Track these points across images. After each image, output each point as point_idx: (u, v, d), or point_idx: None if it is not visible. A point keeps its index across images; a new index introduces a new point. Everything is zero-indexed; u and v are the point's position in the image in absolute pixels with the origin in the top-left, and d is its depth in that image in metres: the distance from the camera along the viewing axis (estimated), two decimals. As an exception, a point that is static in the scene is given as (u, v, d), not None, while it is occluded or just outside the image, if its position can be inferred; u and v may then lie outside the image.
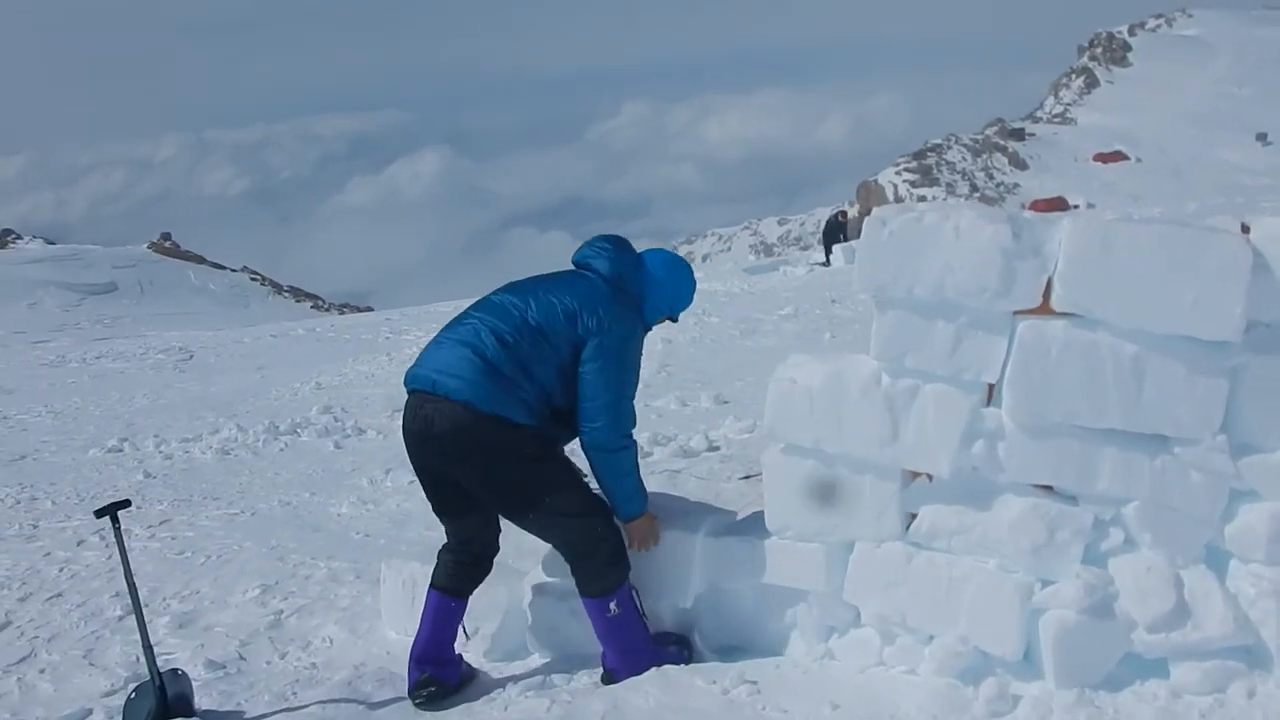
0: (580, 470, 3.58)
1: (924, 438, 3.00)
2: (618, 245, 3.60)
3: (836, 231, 25.13)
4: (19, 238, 61.33)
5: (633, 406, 3.47)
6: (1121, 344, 2.80)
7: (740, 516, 3.64)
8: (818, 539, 3.21)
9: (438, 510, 3.58)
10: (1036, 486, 2.98)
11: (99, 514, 3.49)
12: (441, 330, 3.50)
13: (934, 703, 2.91)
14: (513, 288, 3.55)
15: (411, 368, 3.45)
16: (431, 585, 3.56)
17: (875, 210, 3.04)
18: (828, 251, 24.38)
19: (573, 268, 3.61)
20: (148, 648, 3.44)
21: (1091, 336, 2.81)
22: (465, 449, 3.29)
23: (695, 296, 3.70)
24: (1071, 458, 2.90)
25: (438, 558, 3.62)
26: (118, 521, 3.51)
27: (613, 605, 3.36)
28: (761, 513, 3.41)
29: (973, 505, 3.01)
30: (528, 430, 3.31)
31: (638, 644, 3.39)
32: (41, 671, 4.13)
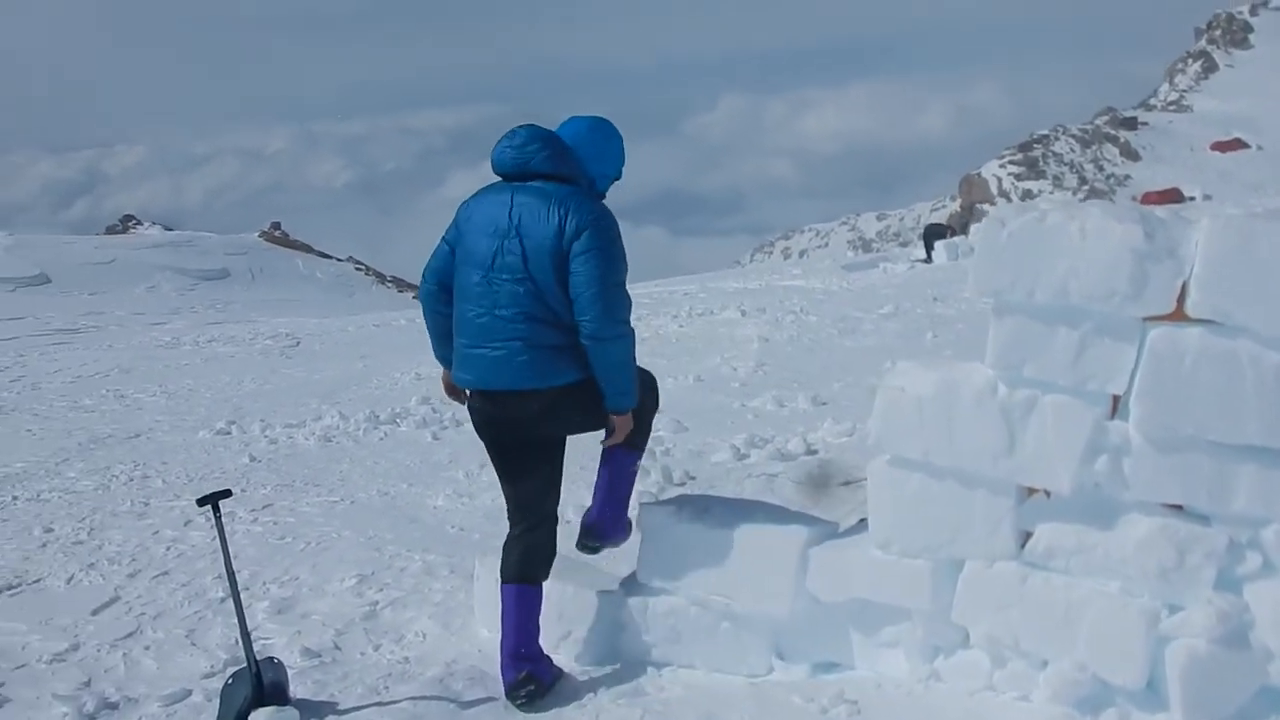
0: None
1: (1042, 452, 2.83)
2: (545, 139, 3.48)
3: (939, 232, 24.59)
4: (139, 223, 64.15)
5: (625, 293, 3.44)
6: (1264, 353, 2.60)
7: (842, 527, 3.51)
8: (924, 555, 3.06)
9: (505, 475, 3.66)
10: (1165, 505, 2.79)
11: (201, 503, 3.54)
12: (468, 338, 3.50)
13: (1048, 733, 2.74)
14: (487, 257, 3.43)
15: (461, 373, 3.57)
16: (503, 581, 3.54)
17: (993, 210, 2.87)
18: (928, 249, 23.81)
19: (501, 179, 3.52)
20: (245, 635, 3.48)
21: (1230, 345, 2.61)
22: (543, 424, 3.48)
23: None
24: (1205, 475, 2.70)
25: (503, 551, 3.62)
26: (219, 510, 3.55)
27: (637, 464, 3.69)
28: (864, 522, 3.27)
29: (1094, 524, 2.82)
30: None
31: (624, 505, 3.73)
32: (146, 648, 4.24)
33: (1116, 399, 2.82)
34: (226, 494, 3.62)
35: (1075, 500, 2.84)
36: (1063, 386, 2.80)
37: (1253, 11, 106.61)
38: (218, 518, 3.55)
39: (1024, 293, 2.77)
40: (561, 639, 3.71)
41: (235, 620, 3.54)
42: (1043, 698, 2.86)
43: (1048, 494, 2.93)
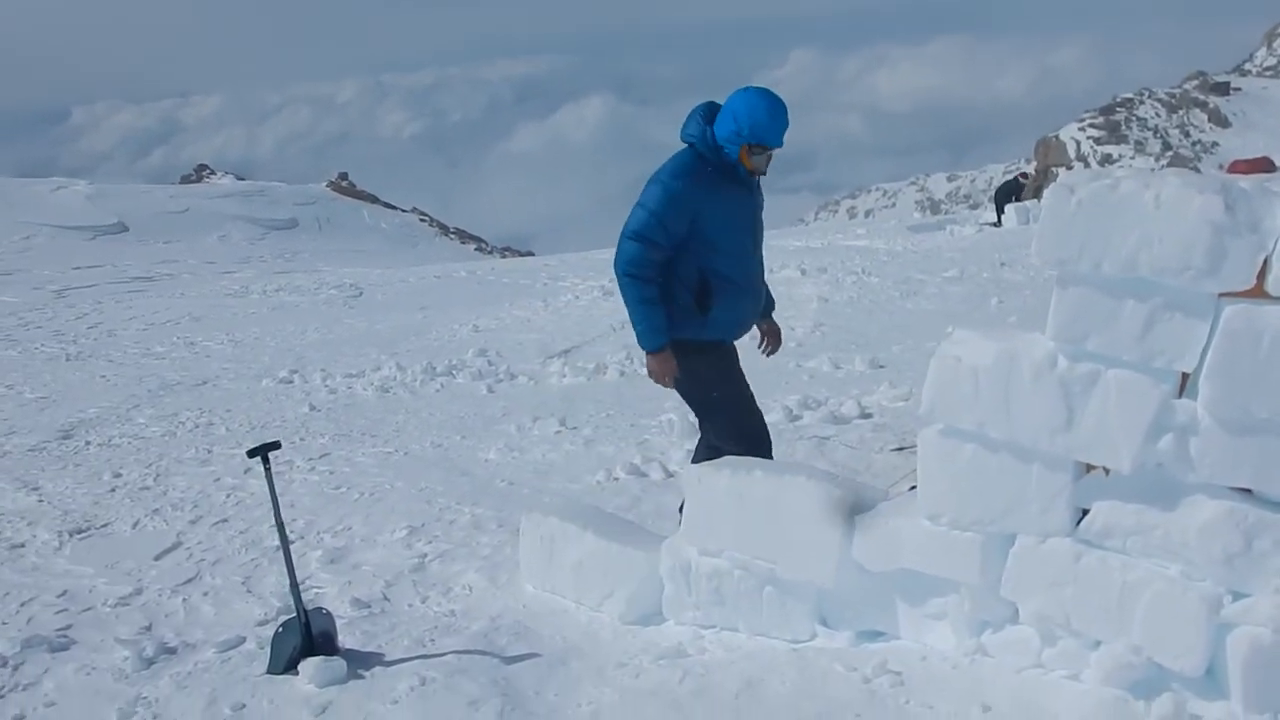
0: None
1: (1103, 428, 2.72)
2: (695, 109, 3.98)
3: (1012, 191, 23.89)
4: (213, 173, 65.30)
5: (631, 244, 3.88)
6: (1349, 335, 2.46)
7: (892, 494, 3.44)
8: (975, 528, 2.98)
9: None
10: (1232, 489, 2.67)
11: (251, 454, 3.59)
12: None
13: (1099, 714, 2.66)
14: None
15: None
16: None
17: (1063, 175, 2.75)
18: (999, 211, 23.21)
19: None
20: (294, 585, 3.54)
21: (1313, 326, 2.47)
22: None
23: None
24: (1278, 459, 2.57)
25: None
26: (268, 462, 3.59)
27: None
28: (914, 490, 3.20)
29: (1155, 505, 2.71)
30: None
31: None
32: (205, 594, 4.35)
33: (1185, 377, 2.71)
34: (276, 446, 3.66)
35: (1136, 479, 2.73)
36: (1128, 362, 2.68)
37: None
38: (267, 469, 3.60)
39: (1091, 263, 2.64)
40: (605, 597, 3.71)
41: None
42: (1094, 679, 2.77)
43: (1106, 471, 2.82)
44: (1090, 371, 2.73)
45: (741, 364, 4.13)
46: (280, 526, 3.61)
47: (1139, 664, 2.71)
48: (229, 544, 4.98)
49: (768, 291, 4.30)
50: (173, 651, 3.76)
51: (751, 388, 4.12)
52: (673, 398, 7.54)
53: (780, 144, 3.94)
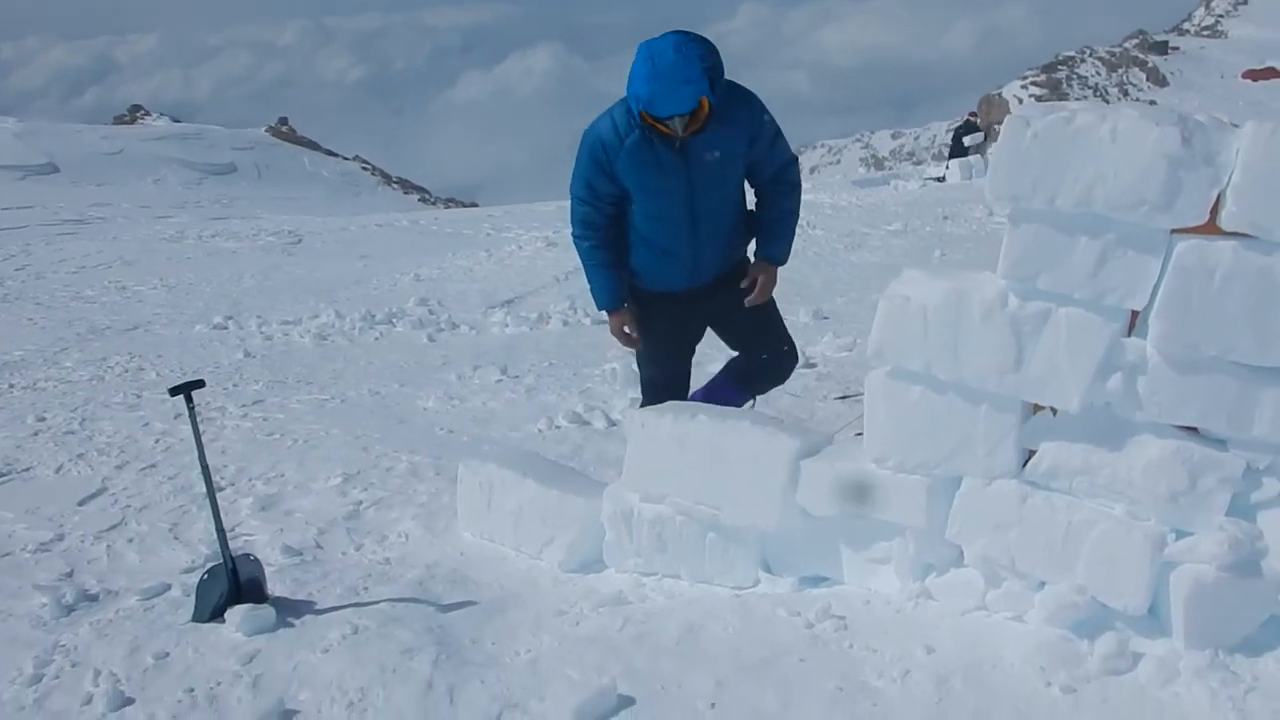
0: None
1: (1053, 367, 2.67)
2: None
3: (968, 132, 23.89)
4: (147, 114, 63.32)
5: (571, 202, 3.88)
6: (1301, 272, 2.43)
7: (836, 440, 3.38)
8: (921, 471, 2.93)
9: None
10: (1179, 428, 2.65)
11: (174, 392, 3.41)
12: None
13: (1042, 654, 2.64)
14: None
15: None
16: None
17: (1017, 109, 2.67)
18: (957, 147, 23.16)
19: None
20: (221, 530, 3.40)
21: (1266, 261, 2.44)
22: None
23: (673, 98, 3.46)
24: (1226, 397, 2.55)
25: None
26: (191, 401, 3.43)
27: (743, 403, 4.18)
28: (859, 437, 3.15)
29: (1102, 444, 2.68)
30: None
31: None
32: (130, 541, 4.19)
33: (1135, 315, 2.67)
34: (200, 384, 3.49)
35: (1083, 419, 2.70)
36: (1079, 300, 2.63)
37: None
38: (191, 409, 3.43)
39: (1045, 199, 2.58)
40: (545, 545, 3.62)
41: (218, 515, 3.46)
42: (1038, 619, 2.75)
43: (1053, 411, 2.79)
44: (1041, 310, 2.68)
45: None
46: (205, 469, 3.46)
47: (1083, 603, 2.69)
48: (156, 490, 4.80)
49: (769, 235, 3.97)
50: (94, 599, 3.61)
51: (695, 341, 4.08)
52: (616, 347, 7.49)
53: (671, 113, 3.50)
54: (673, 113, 3.51)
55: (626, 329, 4.02)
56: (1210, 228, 2.49)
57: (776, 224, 3.96)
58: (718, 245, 3.92)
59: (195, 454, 3.48)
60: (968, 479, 2.88)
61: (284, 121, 55.94)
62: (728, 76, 3.64)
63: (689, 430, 3.31)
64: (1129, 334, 2.68)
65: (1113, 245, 2.56)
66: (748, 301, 3.96)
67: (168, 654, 3.17)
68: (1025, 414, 2.81)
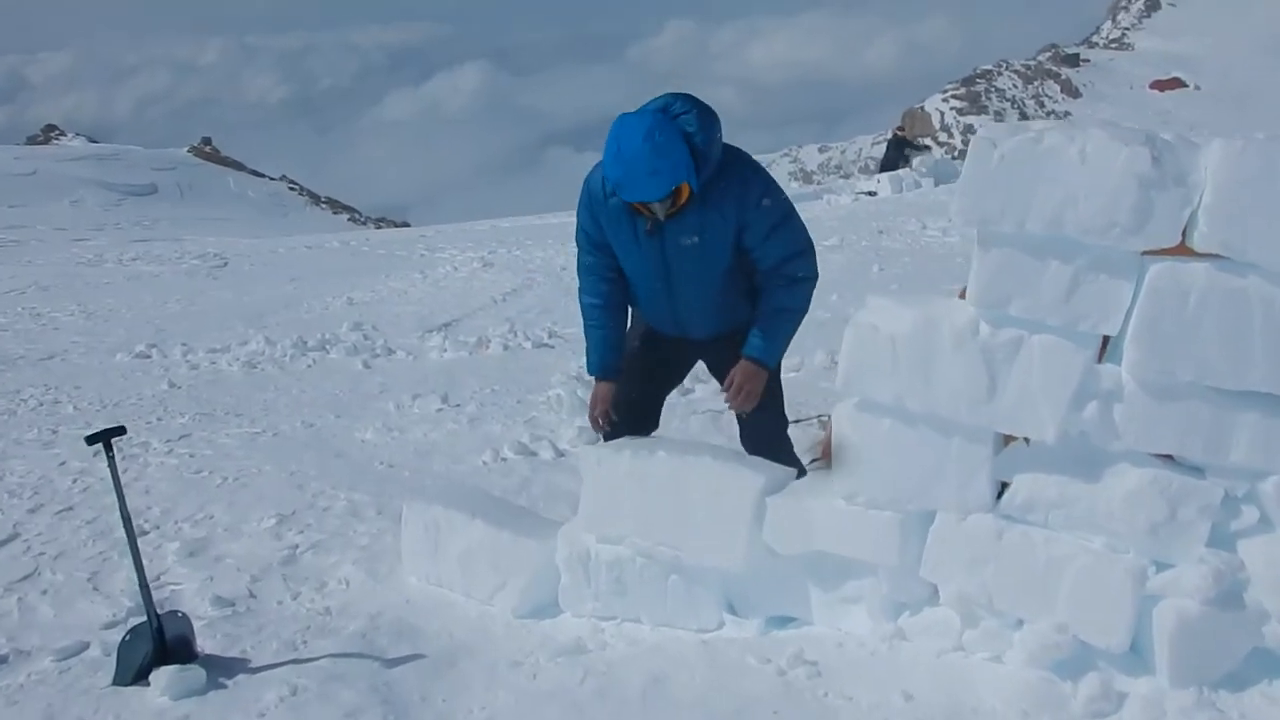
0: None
1: (1027, 397, 2.58)
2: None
3: (903, 145, 24.30)
4: (62, 134, 61.58)
5: (578, 254, 3.59)
6: (1276, 292, 2.37)
7: (802, 472, 3.26)
8: (893, 507, 2.81)
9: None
10: (1156, 456, 2.57)
11: (90, 441, 3.16)
12: None
13: (1024, 697, 2.53)
14: None
15: None
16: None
17: (983, 130, 2.58)
18: (899, 161, 23.50)
19: None
20: (145, 586, 3.15)
21: (1240, 283, 2.37)
22: None
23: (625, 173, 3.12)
24: (1202, 424, 2.48)
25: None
26: (111, 450, 3.18)
27: None
28: (815, 464, 3.03)
29: (1079, 475, 2.60)
30: None
31: None
32: (44, 593, 3.90)
33: (1105, 341, 2.59)
34: (120, 431, 3.25)
35: (1058, 450, 2.62)
36: (1052, 326, 2.54)
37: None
38: (111, 459, 3.18)
39: (1015, 222, 2.49)
40: (496, 589, 3.44)
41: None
42: (1018, 660, 2.65)
43: (1027, 442, 2.70)
44: (1013, 338, 2.59)
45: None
46: (127, 522, 3.21)
47: (1064, 643, 2.59)
48: (74, 535, 4.50)
49: (757, 331, 3.38)
50: (3, 660, 3.32)
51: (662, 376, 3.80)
52: (560, 371, 7.33)
53: (638, 200, 3.18)
54: (640, 200, 3.19)
55: (601, 406, 3.55)
56: (1182, 249, 2.43)
57: (767, 321, 3.36)
58: (704, 316, 3.52)
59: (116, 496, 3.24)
60: (941, 514, 2.78)
61: (207, 141, 54.88)
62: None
63: (648, 467, 3.16)
64: (1100, 360, 2.60)
65: (1085, 269, 2.48)
66: (727, 405, 3.49)
67: (86, 724, 2.92)
68: (998, 445, 2.72)
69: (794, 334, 3.42)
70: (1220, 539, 2.53)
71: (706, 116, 3.19)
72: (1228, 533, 2.53)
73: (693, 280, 3.39)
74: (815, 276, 3.38)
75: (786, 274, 3.34)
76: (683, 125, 3.13)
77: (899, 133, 25.24)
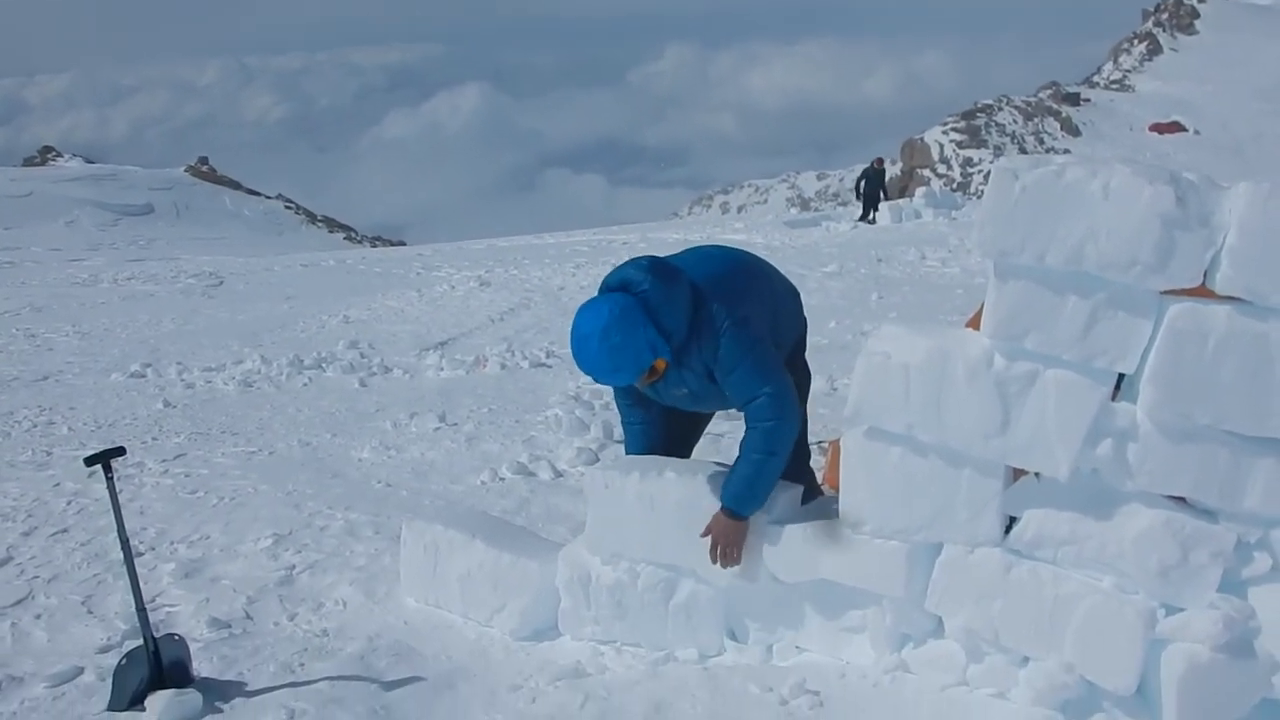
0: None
1: (1040, 432, 2.56)
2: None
3: (877, 182, 24.19)
4: (59, 155, 61.54)
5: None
6: (1299, 337, 2.35)
7: (806, 500, 3.23)
8: (900, 537, 2.79)
9: None
10: (1169, 498, 2.55)
11: (90, 462, 3.12)
12: None
13: (1030, 738, 2.50)
14: None
15: None
16: None
17: (1003, 160, 2.57)
18: (866, 201, 23.45)
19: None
20: (141, 609, 3.10)
21: (1261, 327, 2.36)
22: None
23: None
24: (1218, 468, 2.46)
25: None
26: (110, 471, 3.14)
27: None
28: (831, 498, 3.00)
29: (1090, 513, 2.58)
30: None
31: None
32: (37, 617, 3.83)
33: (1121, 379, 2.57)
34: (119, 452, 3.21)
35: (1070, 487, 2.59)
36: (1068, 362, 2.53)
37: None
38: (110, 480, 3.14)
39: (1034, 256, 2.48)
40: (495, 611, 3.40)
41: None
42: (1023, 698, 2.62)
43: (1038, 477, 2.67)
44: (1028, 371, 2.57)
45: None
46: (125, 545, 3.16)
47: (1071, 683, 2.57)
48: (68, 558, 4.43)
49: (728, 478, 3.12)
50: (-5, 687, 3.27)
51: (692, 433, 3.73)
52: (558, 391, 7.30)
53: (608, 384, 3.17)
54: (605, 384, 3.18)
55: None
56: (1203, 291, 2.42)
57: (744, 467, 3.08)
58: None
59: (111, 518, 3.19)
60: (949, 546, 2.75)
61: (204, 161, 54.87)
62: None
63: (657, 489, 3.13)
64: (1114, 398, 2.58)
65: (1103, 306, 2.47)
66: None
67: (79, 749, 2.87)
68: (1009, 479, 2.70)
69: (773, 477, 3.10)
70: (1231, 585, 2.50)
71: (667, 285, 3.05)
72: (1239, 579, 2.51)
73: (697, 415, 3.55)
74: (781, 419, 3.05)
75: (751, 418, 3.12)
76: (646, 301, 3.01)
77: (878, 164, 24.74)
